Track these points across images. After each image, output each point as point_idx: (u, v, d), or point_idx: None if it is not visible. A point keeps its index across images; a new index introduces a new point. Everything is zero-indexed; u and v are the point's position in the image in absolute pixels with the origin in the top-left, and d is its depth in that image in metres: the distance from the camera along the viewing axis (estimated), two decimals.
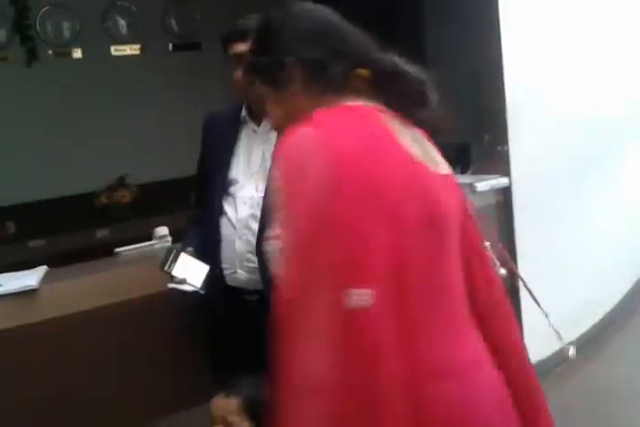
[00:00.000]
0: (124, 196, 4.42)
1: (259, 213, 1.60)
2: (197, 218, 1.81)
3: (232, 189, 1.66)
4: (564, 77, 3.10)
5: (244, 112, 1.69)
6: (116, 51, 4.43)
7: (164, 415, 1.93)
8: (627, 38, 3.97)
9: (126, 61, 4.46)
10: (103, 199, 4.37)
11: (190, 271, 1.62)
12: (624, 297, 3.65)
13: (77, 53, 4.27)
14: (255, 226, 1.60)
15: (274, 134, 1.62)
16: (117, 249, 2.08)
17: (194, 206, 1.89)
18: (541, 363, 2.47)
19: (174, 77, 4.53)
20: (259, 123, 1.67)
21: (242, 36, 1.55)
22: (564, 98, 3.10)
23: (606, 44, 3.57)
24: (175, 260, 1.61)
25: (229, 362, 1.72)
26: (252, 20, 1.56)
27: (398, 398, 0.90)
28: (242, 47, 1.55)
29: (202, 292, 1.62)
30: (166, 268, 1.60)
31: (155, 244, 2.11)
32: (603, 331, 3.33)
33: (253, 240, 1.60)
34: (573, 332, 3.11)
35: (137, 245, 2.08)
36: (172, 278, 1.61)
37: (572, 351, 1.66)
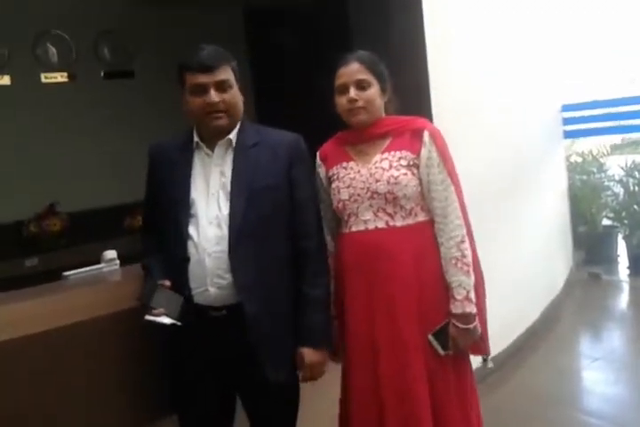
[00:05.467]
0: (54, 224, 4.34)
1: (226, 230, 1.64)
2: (153, 246, 1.80)
3: (193, 211, 1.68)
4: (485, 103, 3.35)
5: (196, 138, 1.74)
6: (47, 78, 4.39)
7: None
8: (547, 57, 4.33)
9: (57, 89, 4.42)
10: (32, 228, 4.27)
11: (167, 303, 1.63)
12: (543, 313, 3.91)
13: (5, 80, 4.20)
14: (224, 243, 1.64)
15: (228, 156, 1.72)
16: (65, 273, 2.08)
17: (144, 235, 1.88)
18: (483, 370, 2.61)
19: (105, 105, 4.52)
20: (212, 147, 1.72)
21: (207, 69, 1.63)
22: (487, 123, 3.34)
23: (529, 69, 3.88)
24: (153, 292, 1.62)
25: (190, 379, 1.76)
26: (216, 55, 1.65)
27: None
28: (204, 79, 1.62)
29: (179, 324, 1.63)
30: (146, 301, 1.61)
31: (103, 267, 2.12)
32: (526, 343, 3.55)
33: (224, 256, 1.64)
34: (501, 343, 3.32)
35: (85, 269, 2.08)
36: (149, 311, 1.62)
37: (490, 364, 2.00)
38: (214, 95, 1.63)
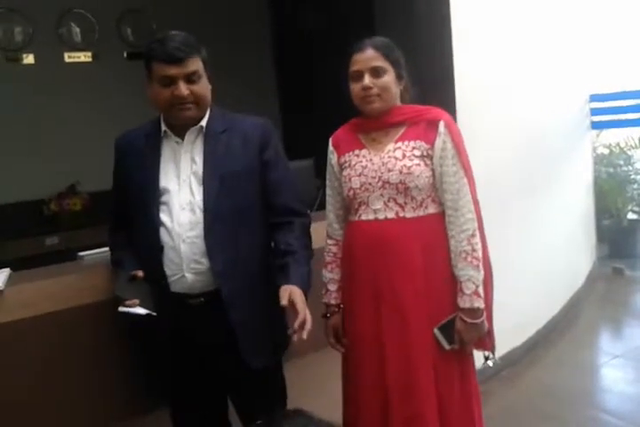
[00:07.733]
0: (75, 203, 4.37)
1: (200, 215, 1.63)
2: (121, 242, 1.79)
3: (165, 198, 1.66)
4: (511, 92, 3.27)
5: (163, 127, 1.71)
6: (70, 57, 4.39)
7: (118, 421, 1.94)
8: (571, 51, 4.23)
9: (80, 68, 4.43)
10: (53, 206, 4.30)
11: (141, 294, 1.61)
12: (563, 307, 3.84)
13: (29, 59, 4.22)
14: (199, 228, 1.63)
15: (198, 142, 1.70)
16: (81, 253, 2.07)
17: (112, 231, 1.85)
18: (487, 368, 2.57)
19: (128, 85, 4.48)
20: (181, 135, 1.69)
21: (176, 61, 1.57)
22: (512, 113, 3.27)
23: (551, 60, 3.79)
24: (125, 284, 1.60)
25: (176, 369, 1.76)
26: (186, 45, 1.59)
27: None
28: (173, 71, 1.58)
29: (154, 314, 1.61)
30: (120, 293, 1.59)
31: None
32: (544, 338, 3.50)
33: (200, 242, 1.62)
34: (518, 338, 3.27)
35: (99, 250, 2.07)
36: (122, 302, 1.59)
37: (491, 364, 1.93)
38: (183, 88, 1.59)
